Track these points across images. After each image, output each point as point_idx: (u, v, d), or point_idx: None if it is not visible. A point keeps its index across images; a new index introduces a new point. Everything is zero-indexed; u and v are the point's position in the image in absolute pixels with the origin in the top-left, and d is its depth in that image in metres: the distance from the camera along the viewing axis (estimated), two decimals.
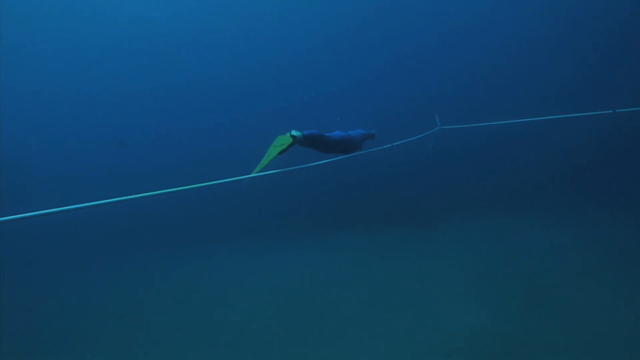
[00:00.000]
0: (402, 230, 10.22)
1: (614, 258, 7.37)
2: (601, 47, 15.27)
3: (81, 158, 17.90)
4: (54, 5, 16.40)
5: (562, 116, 4.73)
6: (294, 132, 3.82)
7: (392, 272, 7.74)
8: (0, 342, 6.01)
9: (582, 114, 4.30)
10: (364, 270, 8.04)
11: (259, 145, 4.02)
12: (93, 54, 17.67)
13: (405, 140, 5.01)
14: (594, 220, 9.55)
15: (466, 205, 11.58)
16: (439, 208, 11.44)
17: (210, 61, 18.88)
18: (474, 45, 16.90)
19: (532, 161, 14.16)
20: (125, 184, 14.04)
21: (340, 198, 13.73)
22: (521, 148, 14.62)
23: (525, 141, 14.66)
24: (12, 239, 10.86)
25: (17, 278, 9.53)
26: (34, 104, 17.64)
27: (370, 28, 17.03)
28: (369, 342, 5.18)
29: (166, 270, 9.39)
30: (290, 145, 3.83)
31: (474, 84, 16.86)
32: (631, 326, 4.91)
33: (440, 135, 5.67)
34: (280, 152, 3.82)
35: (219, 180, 2.78)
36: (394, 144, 4.76)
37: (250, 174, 3.34)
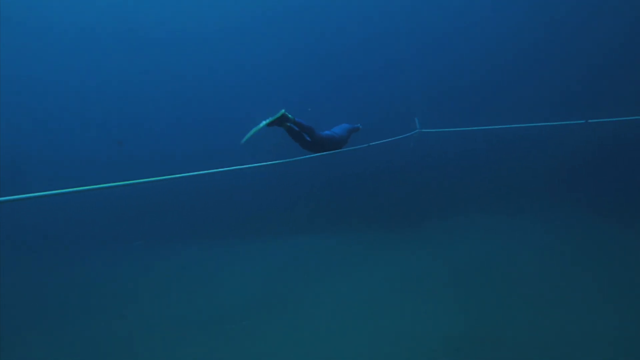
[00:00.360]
0: (383, 230, 10.26)
1: (598, 260, 7.52)
2: (588, 54, 15.67)
3: (81, 158, 17.29)
4: (54, 4, 16.01)
5: (537, 124, 4.84)
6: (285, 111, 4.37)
7: (373, 272, 7.76)
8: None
9: (555, 123, 4.42)
10: (345, 269, 8.02)
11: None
12: (93, 53, 17.17)
13: (383, 141, 5.12)
14: (576, 221, 9.80)
15: (450, 205, 11.77)
16: (421, 208, 11.55)
17: (206, 59, 18.76)
18: (465, 48, 17.11)
19: (516, 163, 14.50)
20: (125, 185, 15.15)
21: (322, 197, 13.76)
22: (505, 151, 14.97)
23: (509, 144, 14.98)
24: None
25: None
26: (34, 104, 17.18)
27: (361, 27, 17.06)
28: (348, 342, 5.16)
29: (148, 265, 9.35)
30: (279, 118, 4.32)
31: (462, 87, 17.09)
32: (616, 330, 4.94)
33: (419, 138, 5.72)
34: (269, 123, 4.31)
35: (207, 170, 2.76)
36: (370, 143, 4.90)
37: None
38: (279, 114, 4.36)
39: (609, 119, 4.33)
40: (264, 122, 4.30)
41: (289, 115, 4.45)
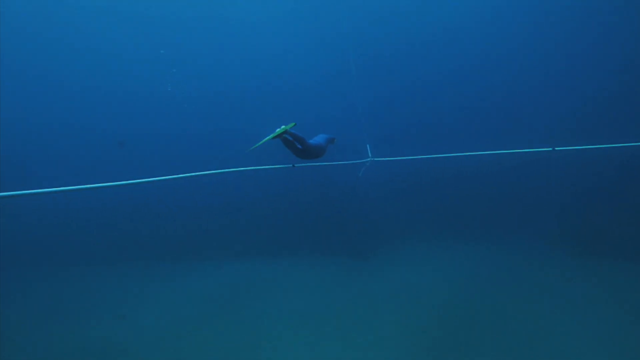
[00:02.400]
0: (329, 258, 10.01)
1: (545, 286, 7.47)
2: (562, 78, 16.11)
3: (81, 158, 17.36)
4: (54, 4, 16.12)
5: (504, 151, 4.55)
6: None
7: (318, 300, 7.43)
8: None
9: (522, 150, 4.16)
10: (285, 295, 7.80)
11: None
12: (93, 53, 17.38)
13: (335, 162, 5.27)
14: (522, 249, 9.86)
15: (399, 233, 11.58)
16: (368, 236, 11.32)
17: (206, 60, 18.71)
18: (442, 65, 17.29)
19: (466, 192, 14.47)
20: (125, 185, 14.75)
21: (270, 222, 13.17)
22: (457, 178, 15.00)
23: (461, 171, 15.03)
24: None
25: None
26: (34, 104, 17.31)
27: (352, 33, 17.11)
28: None
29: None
30: (283, 133, 4.73)
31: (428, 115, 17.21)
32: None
33: (370, 165, 5.54)
34: (275, 136, 4.71)
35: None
36: (325, 163, 5.14)
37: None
38: (290, 125, 4.74)
39: (576, 147, 4.08)
40: (278, 130, 4.67)
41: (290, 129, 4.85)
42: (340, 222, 12.55)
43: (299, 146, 5.07)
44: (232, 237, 12.01)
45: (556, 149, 4.02)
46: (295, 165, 2.94)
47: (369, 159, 5.52)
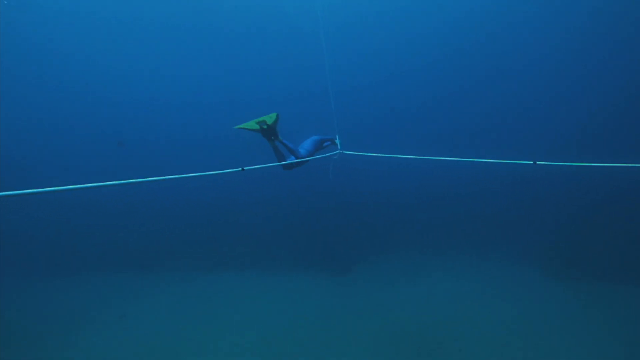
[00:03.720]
0: (306, 271, 9.82)
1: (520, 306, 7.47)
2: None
3: (81, 158, 17.48)
4: (55, 5, 15.76)
5: (484, 160, 4.40)
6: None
7: (288, 314, 7.26)
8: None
9: (503, 161, 4.02)
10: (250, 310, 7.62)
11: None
12: (93, 54, 17.30)
13: (306, 159, 5.07)
14: (500, 266, 9.90)
15: (378, 248, 11.46)
16: (347, 250, 11.18)
17: (207, 61, 18.49)
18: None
19: (454, 204, 14.49)
20: (124, 185, 14.57)
21: (244, 232, 12.91)
22: (446, 190, 14.99)
23: (443, 179, 15.04)
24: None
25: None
26: (34, 104, 17.28)
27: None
28: None
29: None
30: (269, 126, 4.95)
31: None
32: None
33: (340, 159, 5.37)
34: (260, 125, 4.95)
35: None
36: (292, 161, 4.96)
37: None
38: (272, 116, 4.98)
39: (558, 163, 3.92)
40: (260, 118, 4.92)
41: (277, 130, 5.03)
42: (318, 233, 12.38)
43: (293, 158, 5.29)
44: (206, 249, 11.69)
45: (537, 163, 3.88)
46: (245, 168, 2.69)
47: (337, 152, 5.30)
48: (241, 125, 5.01)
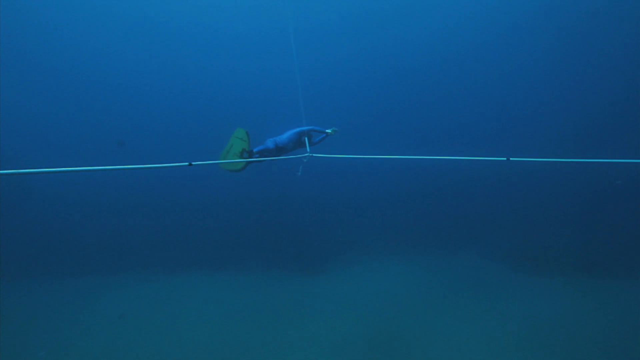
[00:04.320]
0: (276, 272, 9.68)
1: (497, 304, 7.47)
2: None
3: (81, 158, 17.39)
4: (56, 5, 15.60)
5: (458, 157, 4.33)
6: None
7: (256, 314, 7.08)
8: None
9: (477, 158, 3.97)
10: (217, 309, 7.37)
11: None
12: (93, 54, 17.09)
13: (274, 158, 5.15)
14: (469, 263, 9.97)
15: (347, 247, 11.36)
16: (316, 250, 11.07)
17: (207, 62, 18.41)
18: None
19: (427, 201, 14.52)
20: (125, 185, 14.10)
21: (212, 232, 12.60)
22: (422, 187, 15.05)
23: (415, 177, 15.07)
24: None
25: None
26: (34, 104, 17.04)
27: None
28: None
29: None
30: (244, 152, 5.49)
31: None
32: None
33: (308, 161, 5.22)
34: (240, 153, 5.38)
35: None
36: (260, 159, 5.03)
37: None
38: (242, 138, 5.43)
39: (531, 159, 3.94)
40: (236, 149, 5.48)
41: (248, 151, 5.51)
42: (290, 233, 12.20)
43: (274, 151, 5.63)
44: (176, 249, 11.29)
45: (511, 159, 3.84)
46: (192, 163, 2.53)
47: (307, 155, 5.17)
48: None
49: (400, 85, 16.86)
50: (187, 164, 2.51)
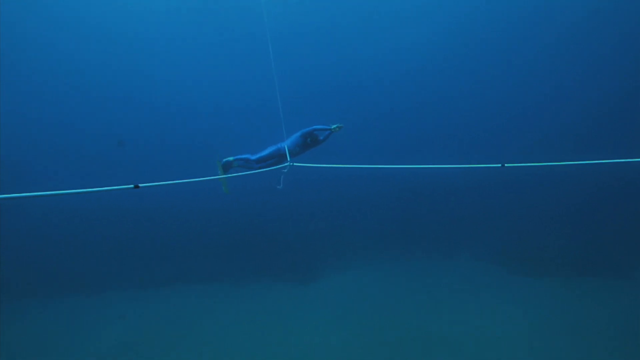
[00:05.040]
0: (268, 283, 9.60)
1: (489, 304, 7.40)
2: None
3: (81, 158, 17.25)
4: (55, 6, 15.64)
5: (453, 166, 4.33)
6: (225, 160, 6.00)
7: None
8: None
9: (471, 166, 3.96)
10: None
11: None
12: (94, 54, 17.07)
13: (255, 171, 5.16)
14: (463, 267, 9.93)
15: (340, 254, 11.27)
16: (308, 259, 10.98)
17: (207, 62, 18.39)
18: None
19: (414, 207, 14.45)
20: (124, 184, 13.96)
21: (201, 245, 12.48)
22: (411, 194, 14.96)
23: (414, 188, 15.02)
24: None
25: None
26: (34, 104, 17.05)
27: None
28: None
29: None
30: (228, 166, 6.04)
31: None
32: None
33: (289, 171, 5.19)
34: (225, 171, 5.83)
35: None
36: (240, 173, 4.90)
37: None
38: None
39: (526, 164, 3.91)
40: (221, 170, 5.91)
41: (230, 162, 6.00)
42: (282, 244, 12.10)
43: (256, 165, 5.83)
44: (169, 262, 11.14)
45: (506, 165, 3.84)
46: (139, 185, 2.39)
47: (287, 164, 5.10)
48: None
49: (391, 89, 16.89)
50: (132, 186, 2.37)
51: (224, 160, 6.09)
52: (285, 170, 5.22)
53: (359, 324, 6.99)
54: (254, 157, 5.93)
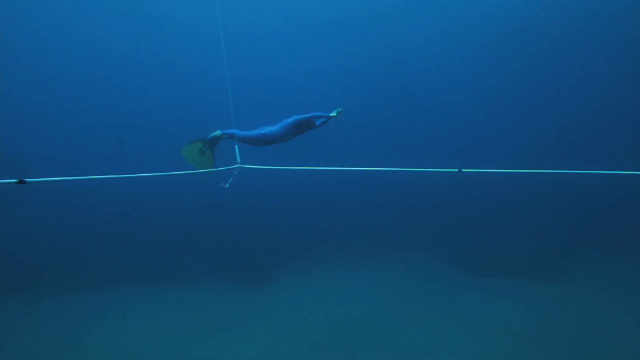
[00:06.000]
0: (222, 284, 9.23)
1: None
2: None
3: (81, 158, 16.53)
4: (54, 4, 15.37)
5: (407, 169, 4.14)
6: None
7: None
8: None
9: (427, 170, 3.81)
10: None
11: None
12: (94, 53, 16.89)
13: (199, 171, 4.95)
14: (420, 268, 9.99)
15: (296, 254, 11.12)
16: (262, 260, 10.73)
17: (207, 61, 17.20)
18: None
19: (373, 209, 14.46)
20: (125, 184, 14.12)
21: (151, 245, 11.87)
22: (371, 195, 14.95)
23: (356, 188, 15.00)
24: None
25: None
26: (34, 103, 17.04)
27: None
28: None
29: None
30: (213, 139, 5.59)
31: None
32: None
33: (239, 174, 4.75)
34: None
35: None
36: (185, 172, 4.49)
37: None
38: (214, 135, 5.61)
39: (482, 170, 3.84)
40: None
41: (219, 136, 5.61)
42: (228, 243, 11.70)
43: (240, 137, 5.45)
44: (113, 262, 10.35)
45: (462, 170, 3.79)
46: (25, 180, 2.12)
47: (237, 166, 4.71)
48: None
49: (347, 88, 16.75)
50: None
51: (211, 135, 5.63)
52: (236, 172, 4.81)
53: (312, 328, 6.83)
54: (241, 134, 5.48)
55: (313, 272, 9.81)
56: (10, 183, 1.95)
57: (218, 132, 5.61)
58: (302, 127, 5.58)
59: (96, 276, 9.45)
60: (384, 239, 12.07)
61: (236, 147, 5.02)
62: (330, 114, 5.55)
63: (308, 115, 5.54)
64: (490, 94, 16.78)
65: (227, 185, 4.86)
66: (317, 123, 5.73)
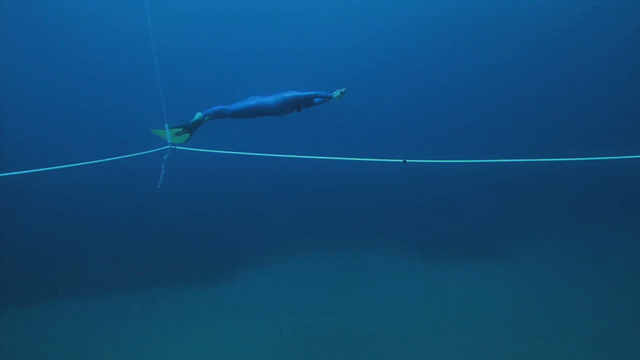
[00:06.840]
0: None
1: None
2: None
3: (81, 158, 12.21)
4: (54, 4, 14.75)
5: (354, 159, 4.10)
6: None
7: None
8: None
9: (372, 160, 3.77)
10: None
11: None
12: (93, 53, 16.23)
13: (128, 156, 4.25)
14: (369, 254, 10.19)
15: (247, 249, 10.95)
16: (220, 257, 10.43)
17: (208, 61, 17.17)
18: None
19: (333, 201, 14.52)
20: (125, 184, 13.94)
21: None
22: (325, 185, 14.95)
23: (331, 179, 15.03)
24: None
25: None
26: (34, 103, 16.34)
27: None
28: None
29: None
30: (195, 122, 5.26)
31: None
32: None
33: (170, 156, 4.33)
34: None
35: None
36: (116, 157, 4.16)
37: None
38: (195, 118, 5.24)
39: (428, 160, 3.88)
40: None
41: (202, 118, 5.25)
42: (181, 241, 11.29)
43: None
44: (49, 270, 9.45)
45: (407, 161, 3.77)
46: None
47: (167, 147, 4.30)
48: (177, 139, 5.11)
49: (291, 75, 16.60)
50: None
51: (192, 120, 5.25)
52: (166, 157, 4.40)
53: (274, 324, 6.81)
54: (230, 108, 5.21)
55: (268, 267, 9.68)
56: None
57: (199, 115, 5.23)
58: (299, 104, 5.25)
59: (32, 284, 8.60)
60: (339, 230, 12.07)
61: (166, 125, 4.57)
62: (333, 94, 5.23)
63: (308, 93, 5.21)
64: (429, 85, 17.25)
65: (158, 186, 4.44)
66: (315, 101, 5.37)
